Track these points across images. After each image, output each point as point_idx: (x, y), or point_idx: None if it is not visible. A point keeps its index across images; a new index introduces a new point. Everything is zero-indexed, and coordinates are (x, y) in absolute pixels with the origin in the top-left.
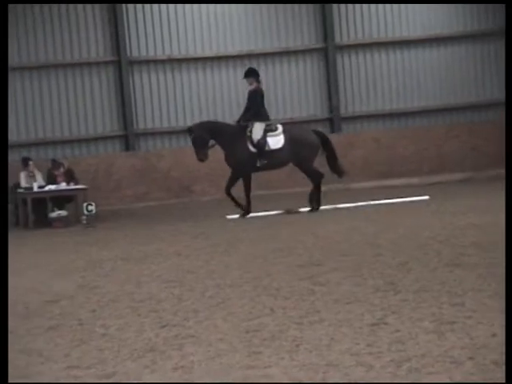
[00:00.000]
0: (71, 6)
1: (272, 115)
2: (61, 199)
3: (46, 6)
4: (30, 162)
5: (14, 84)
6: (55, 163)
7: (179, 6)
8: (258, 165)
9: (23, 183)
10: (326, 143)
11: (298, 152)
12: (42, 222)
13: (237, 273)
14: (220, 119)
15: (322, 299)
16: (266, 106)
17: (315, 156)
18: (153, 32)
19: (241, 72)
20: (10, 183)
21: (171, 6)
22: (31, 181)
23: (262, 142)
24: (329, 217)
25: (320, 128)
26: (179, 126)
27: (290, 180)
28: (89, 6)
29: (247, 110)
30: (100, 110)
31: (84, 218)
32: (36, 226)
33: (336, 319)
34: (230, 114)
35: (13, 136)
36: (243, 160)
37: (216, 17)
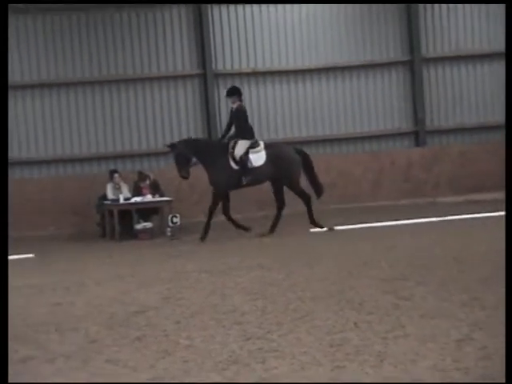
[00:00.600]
0: (159, 18)
1: (357, 128)
2: (146, 211)
3: (134, 21)
4: (116, 174)
5: (102, 96)
6: (141, 175)
7: (264, 19)
8: (244, 182)
9: (110, 195)
10: (306, 162)
11: (279, 168)
12: (128, 233)
13: (320, 286)
14: (304, 132)
15: (406, 314)
16: (344, 118)
17: (299, 173)
18: (238, 45)
19: (326, 85)
20: (98, 195)
21: (256, 19)
22: (117, 193)
23: (245, 159)
24: (414, 230)
25: (405, 141)
26: (263, 140)
27: (373, 193)
28: (176, 19)
29: (228, 128)
30: (185, 122)
31: (169, 229)
32: (122, 238)
33: (421, 334)
34: (314, 127)
35: (100, 148)
36: (225, 177)
37: (301, 29)
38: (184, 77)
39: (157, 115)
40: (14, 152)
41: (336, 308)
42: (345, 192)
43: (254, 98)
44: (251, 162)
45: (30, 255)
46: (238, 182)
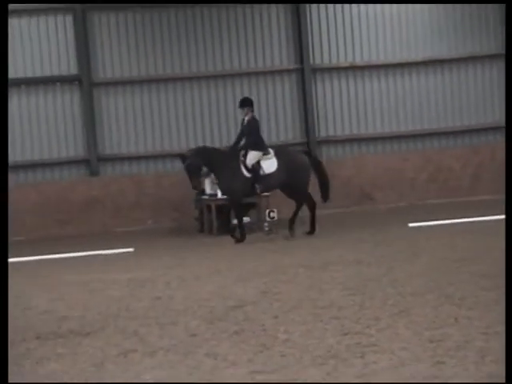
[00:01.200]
0: (256, 13)
1: (456, 122)
2: (244, 206)
3: (232, 16)
4: None
5: (200, 92)
6: None
7: (362, 12)
8: (258, 191)
9: (208, 190)
10: (317, 165)
11: (291, 175)
12: (226, 228)
13: (419, 281)
14: (402, 126)
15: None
16: (444, 112)
17: (308, 178)
18: (336, 39)
19: (425, 78)
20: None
21: (354, 12)
22: (215, 187)
23: (257, 167)
24: None
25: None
26: (360, 134)
27: (473, 188)
28: (274, 16)
29: (239, 139)
30: (282, 117)
31: (266, 224)
32: (219, 233)
33: None
34: (413, 121)
35: (199, 143)
36: (238, 185)
37: (400, 22)
38: (281, 71)
39: (255, 110)
40: (114, 149)
41: (436, 303)
42: (444, 187)
43: (351, 92)
44: (263, 170)
45: (130, 249)
46: (252, 190)
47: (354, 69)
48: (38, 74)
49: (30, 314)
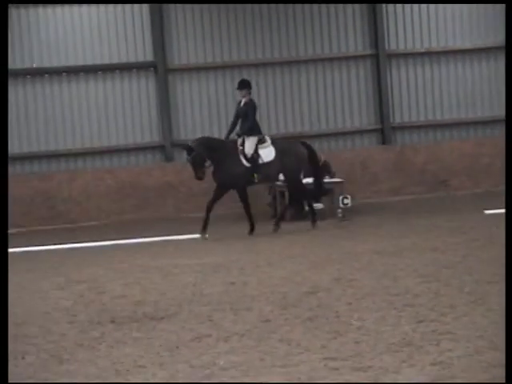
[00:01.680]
0: (331, 5)
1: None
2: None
3: (307, 6)
4: None
5: (274, 78)
6: None
7: None
8: (256, 180)
9: (281, 176)
10: (312, 155)
11: (287, 164)
12: (299, 214)
13: (496, 269)
14: (479, 112)
15: None
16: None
17: (303, 167)
18: (412, 25)
19: (502, 64)
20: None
21: None
22: None
23: (256, 156)
24: None
25: None
26: (436, 120)
27: None
28: (349, 5)
29: (235, 122)
30: (357, 103)
31: (339, 211)
32: (292, 219)
33: None
34: (491, 107)
35: (272, 130)
36: (237, 175)
37: (478, 8)
38: (356, 57)
39: (328, 96)
40: (189, 135)
41: None
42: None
43: (427, 78)
44: (262, 159)
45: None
46: (250, 180)
47: (430, 54)
48: (115, 60)
49: (105, 298)
